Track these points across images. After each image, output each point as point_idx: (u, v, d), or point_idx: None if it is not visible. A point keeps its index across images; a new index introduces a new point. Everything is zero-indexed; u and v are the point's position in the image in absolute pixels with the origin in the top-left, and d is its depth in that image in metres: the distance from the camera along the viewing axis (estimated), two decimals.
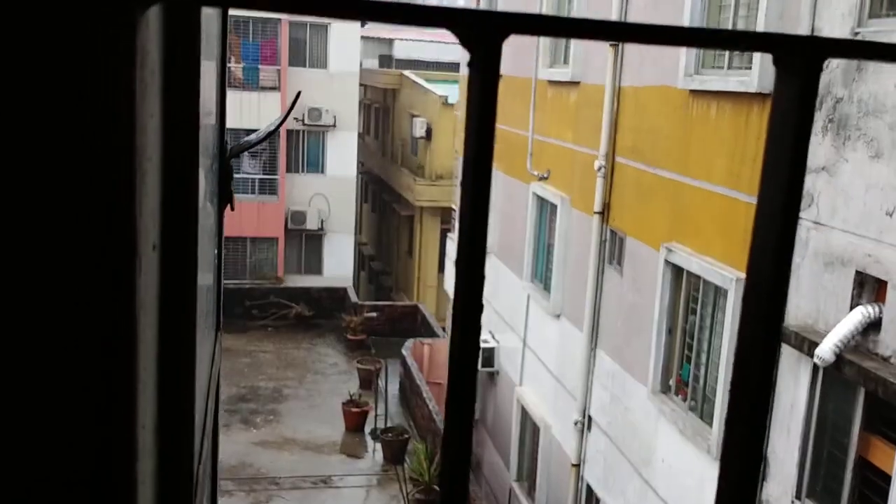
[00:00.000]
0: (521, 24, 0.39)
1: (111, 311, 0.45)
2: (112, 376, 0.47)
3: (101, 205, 0.43)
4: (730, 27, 8.14)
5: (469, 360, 0.42)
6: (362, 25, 27.44)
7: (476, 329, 0.41)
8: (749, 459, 0.44)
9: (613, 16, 10.10)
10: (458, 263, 0.41)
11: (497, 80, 0.39)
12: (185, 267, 0.74)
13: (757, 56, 7.38)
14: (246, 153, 25.74)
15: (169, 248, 0.69)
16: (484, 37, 0.37)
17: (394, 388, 19.66)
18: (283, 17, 25.23)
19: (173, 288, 0.70)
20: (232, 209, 1.77)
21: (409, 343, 19.82)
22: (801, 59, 0.43)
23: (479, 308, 0.42)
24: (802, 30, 6.85)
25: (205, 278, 1.30)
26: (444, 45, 33.75)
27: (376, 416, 17.68)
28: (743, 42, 0.47)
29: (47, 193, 0.42)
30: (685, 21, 8.56)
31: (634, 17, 9.89)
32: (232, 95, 25.59)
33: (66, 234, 0.43)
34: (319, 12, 0.39)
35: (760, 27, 7.33)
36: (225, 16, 1.68)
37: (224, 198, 1.72)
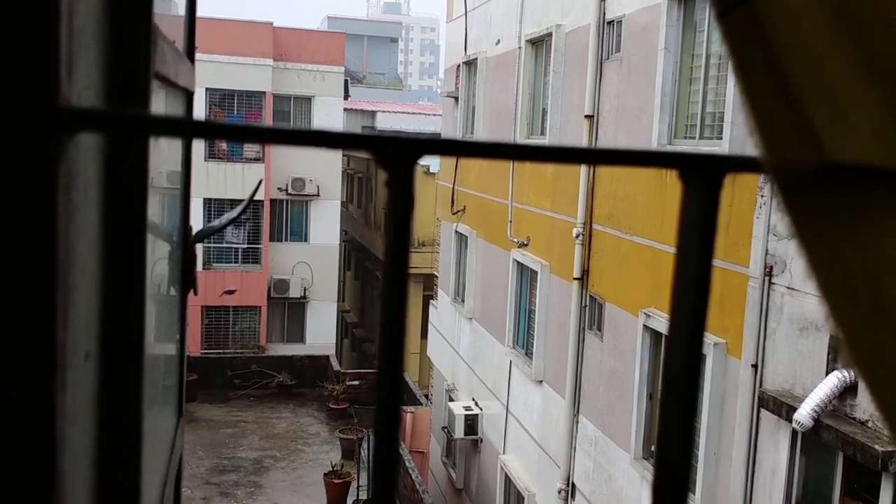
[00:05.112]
0: (430, 147, 0.45)
1: (28, 424, 0.48)
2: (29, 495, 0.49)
3: (18, 318, 0.47)
4: (700, 100, 8.37)
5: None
6: (345, 98, 27.89)
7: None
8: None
9: (588, 90, 10.37)
10: (378, 374, 0.45)
11: (412, 197, 0.44)
12: (128, 373, 0.77)
13: (728, 125, 7.59)
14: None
15: (109, 355, 0.72)
16: (397, 158, 0.43)
17: None
18: (268, 90, 25.62)
19: (114, 394, 0.74)
20: (195, 294, 1.82)
21: None
22: (703, 174, 0.46)
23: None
24: None
25: (160, 370, 1.33)
26: (424, 117, 34.33)
27: (358, 486, 17.38)
28: (650, 160, 0.51)
29: None
30: (657, 93, 8.81)
31: (609, 91, 10.16)
32: (217, 167, 25.52)
33: None
34: (266, 142, 0.44)
35: (729, 100, 7.55)
36: (190, 107, 1.76)
37: (187, 283, 1.76)
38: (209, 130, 0.41)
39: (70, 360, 0.54)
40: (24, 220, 0.45)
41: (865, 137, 0.41)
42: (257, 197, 24.97)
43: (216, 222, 3.22)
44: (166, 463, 1.37)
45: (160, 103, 1.13)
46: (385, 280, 0.44)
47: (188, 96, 1.66)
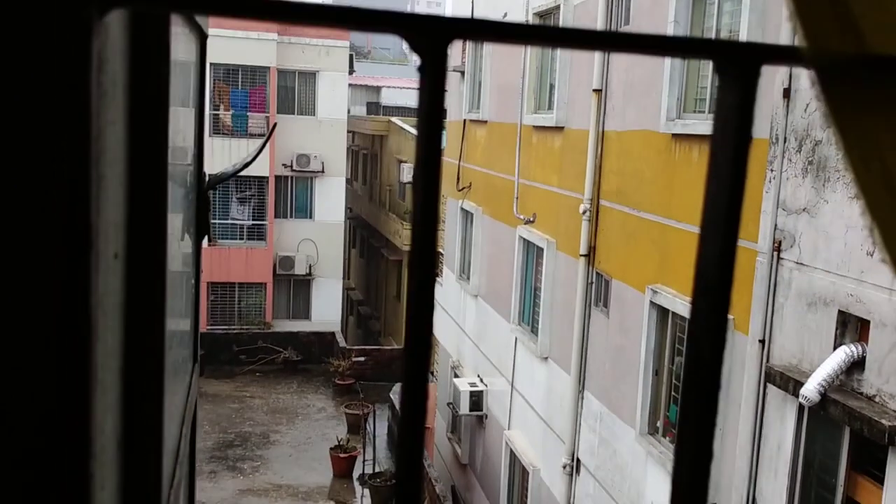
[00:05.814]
0: (466, 29, 0.43)
1: (63, 306, 0.47)
2: (64, 375, 0.49)
3: (54, 200, 0.45)
4: (709, 73, 8.29)
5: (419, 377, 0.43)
6: (350, 73, 27.75)
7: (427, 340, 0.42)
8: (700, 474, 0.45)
9: (596, 64, 10.28)
10: (410, 273, 0.44)
11: (444, 82, 0.41)
12: (153, 275, 0.76)
13: None
14: (234, 199, 25.78)
15: (134, 259, 0.71)
16: (432, 40, 0.40)
17: (382, 432, 19.48)
18: (273, 65, 25.49)
19: (138, 296, 0.73)
20: (210, 241, 1.80)
21: (398, 387, 19.69)
22: (739, 64, 0.44)
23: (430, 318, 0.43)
24: (784, 39, 6.86)
25: (177, 299, 1.32)
26: None
27: (364, 461, 17.49)
28: (681, 48, 0.49)
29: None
30: (666, 67, 8.72)
31: (617, 65, 10.07)
32: (221, 142, 25.44)
33: (16, 233, 0.45)
34: (278, 20, 0.41)
35: (743, 36, 7.42)
36: (203, 50, 1.73)
37: (202, 229, 1.74)
38: (238, 4, 0.38)
39: (101, 255, 0.53)
40: (59, 96, 0.43)
41: None
42: (262, 173, 24.93)
43: (229, 168, 3.20)
44: (183, 402, 1.36)
45: (180, 46, 1.11)
46: (417, 168, 0.42)
47: (202, 39, 1.63)
